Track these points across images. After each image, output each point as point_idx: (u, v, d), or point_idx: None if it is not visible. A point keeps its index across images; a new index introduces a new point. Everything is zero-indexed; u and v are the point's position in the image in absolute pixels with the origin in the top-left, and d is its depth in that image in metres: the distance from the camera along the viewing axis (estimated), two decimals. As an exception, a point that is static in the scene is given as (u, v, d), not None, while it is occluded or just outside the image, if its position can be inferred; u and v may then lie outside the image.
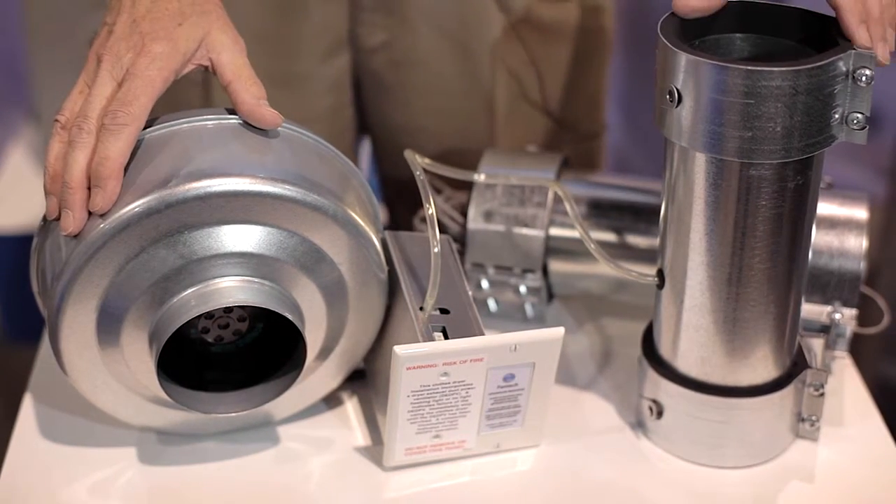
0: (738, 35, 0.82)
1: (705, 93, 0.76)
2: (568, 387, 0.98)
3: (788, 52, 0.81)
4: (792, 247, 0.83)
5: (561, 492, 0.88)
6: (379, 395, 0.91)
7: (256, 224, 0.81)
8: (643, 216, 0.98)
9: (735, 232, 0.81)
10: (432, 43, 1.10)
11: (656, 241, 0.89)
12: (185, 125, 0.84)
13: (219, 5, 0.86)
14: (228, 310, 0.89)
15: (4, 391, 1.33)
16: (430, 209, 0.89)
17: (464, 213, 1.02)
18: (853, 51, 0.76)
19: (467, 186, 1.02)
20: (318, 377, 0.91)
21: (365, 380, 0.96)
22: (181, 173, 0.79)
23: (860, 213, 0.94)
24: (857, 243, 0.93)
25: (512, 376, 0.86)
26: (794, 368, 0.89)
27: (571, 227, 0.97)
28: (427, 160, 0.94)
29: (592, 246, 0.91)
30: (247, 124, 0.85)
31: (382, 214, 1.07)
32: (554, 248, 1.00)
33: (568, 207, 0.94)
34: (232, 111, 0.85)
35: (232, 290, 0.82)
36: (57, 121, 0.82)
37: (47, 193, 0.82)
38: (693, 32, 0.80)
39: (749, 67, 0.74)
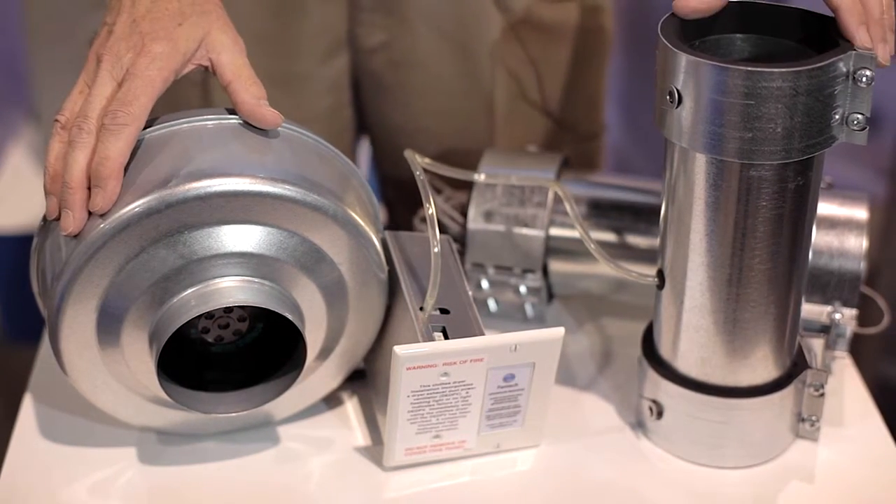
0: (738, 35, 0.82)
1: (705, 93, 0.76)
2: (568, 387, 0.98)
3: (789, 53, 0.81)
4: (792, 247, 0.83)
5: (561, 492, 0.88)
6: (379, 395, 0.91)
7: (256, 224, 0.81)
8: (643, 216, 0.98)
9: (735, 233, 0.81)
10: (431, 43, 1.10)
11: (656, 241, 0.89)
12: (185, 125, 0.84)
13: (219, 5, 0.86)
14: (228, 310, 0.89)
15: (4, 391, 1.33)
16: (430, 209, 0.89)
17: (464, 213, 1.02)
18: (854, 52, 0.76)
19: (467, 186, 1.02)
20: (318, 377, 0.91)
21: (365, 380, 0.96)
22: (181, 173, 0.79)
23: (860, 213, 0.94)
24: (857, 243, 0.93)
25: (512, 376, 0.86)
26: (795, 369, 0.89)
27: (571, 227, 0.97)
28: (427, 160, 0.94)
29: (592, 246, 0.91)
30: (247, 124, 0.85)
31: (382, 214, 1.07)
32: (554, 248, 1.00)
33: (568, 207, 0.94)
34: (232, 111, 0.85)
35: (232, 290, 0.82)
36: (57, 121, 0.82)
37: (47, 193, 0.82)
38: (693, 33, 0.80)
39: (749, 68, 0.74)
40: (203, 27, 0.84)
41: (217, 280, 0.82)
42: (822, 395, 0.89)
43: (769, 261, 0.82)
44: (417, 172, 0.91)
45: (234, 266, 0.82)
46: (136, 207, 0.78)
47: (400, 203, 1.20)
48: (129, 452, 0.90)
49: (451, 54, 1.11)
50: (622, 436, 0.93)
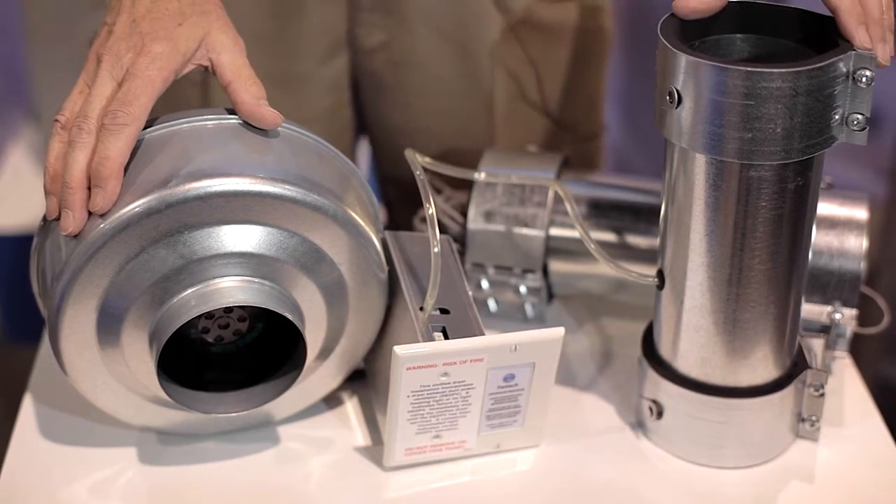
0: (738, 36, 0.82)
1: (705, 94, 0.76)
2: (568, 387, 0.98)
3: (788, 53, 0.81)
4: (792, 247, 0.83)
5: (561, 492, 0.88)
6: (379, 395, 0.91)
7: (256, 224, 0.81)
8: (643, 216, 0.98)
9: (735, 233, 0.81)
10: (431, 43, 1.10)
11: (656, 242, 0.89)
12: (185, 125, 0.84)
13: (219, 5, 0.86)
14: (228, 310, 0.89)
15: (4, 391, 1.33)
16: (430, 209, 0.89)
17: (464, 213, 1.02)
18: (853, 52, 0.76)
19: (467, 186, 1.02)
20: (318, 377, 0.91)
21: (365, 380, 0.96)
22: (181, 173, 0.79)
23: (860, 213, 0.94)
24: (857, 243, 0.93)
25: (512, 376, 0.86)
26: (795, 369, 0.89)
27: (571, 227, 0.97)
28: (427, 159, 0.94)
29: (592, 246, 0.91)
30: (247, 124, 0.85)
31: (382, 214, 1.07)
32: (554, 248, 1.00)
33: (568, 207, 0.94)
34: (232, 111, 0.85)
35: (232, 290, 0.82)
36: (57, 121, 0.82)
37: (47, 193, 0.82)
38: (693, 33, 0.80)
39: (749, 69, 0.74)
40: (203, 27, 0.84)
41: (217, 280, 0.82)
42: (822, 395, 0.89)
43: (769, 261, 0.82)
44: (417, 172, 0.91)
45: (234, 266, 0.82)
46: (136, 207, 0.78)
47: (400, 203, 1.20)
48: (129, 452, 0.90)
49: (450, 54, 1.11)
50: (622, 436, 0.93)
